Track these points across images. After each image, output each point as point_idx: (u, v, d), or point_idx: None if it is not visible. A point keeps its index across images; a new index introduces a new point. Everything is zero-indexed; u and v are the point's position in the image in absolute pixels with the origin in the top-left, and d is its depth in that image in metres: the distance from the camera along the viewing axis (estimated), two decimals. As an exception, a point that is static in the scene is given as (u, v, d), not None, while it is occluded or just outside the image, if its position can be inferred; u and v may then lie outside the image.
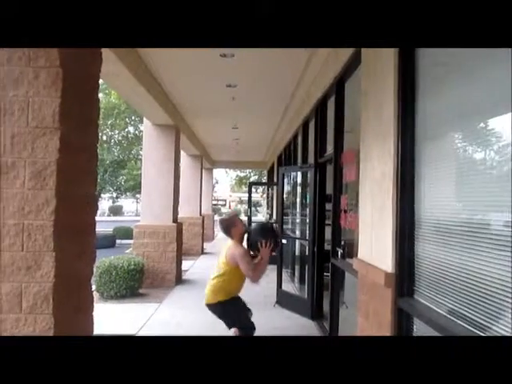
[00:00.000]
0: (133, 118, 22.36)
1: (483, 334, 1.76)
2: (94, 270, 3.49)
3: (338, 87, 4.51)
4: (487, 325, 1.76)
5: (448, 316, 2.07)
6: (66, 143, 2.75)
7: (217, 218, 21.91)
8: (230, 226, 3.78)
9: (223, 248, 3.86)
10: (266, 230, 3.97)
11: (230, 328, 3.79)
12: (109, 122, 21.64)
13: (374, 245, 2.98)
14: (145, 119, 7.81)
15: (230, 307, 3.68)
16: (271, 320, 5.36)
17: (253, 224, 3.99)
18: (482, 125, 2.01)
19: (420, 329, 2.44)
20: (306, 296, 5.82)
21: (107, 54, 3.94)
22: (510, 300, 1.61)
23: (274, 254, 3.83)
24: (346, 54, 3.94)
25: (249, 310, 3.90)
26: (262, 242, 3.68)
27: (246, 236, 3.86)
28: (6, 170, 2.62)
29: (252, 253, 3.80)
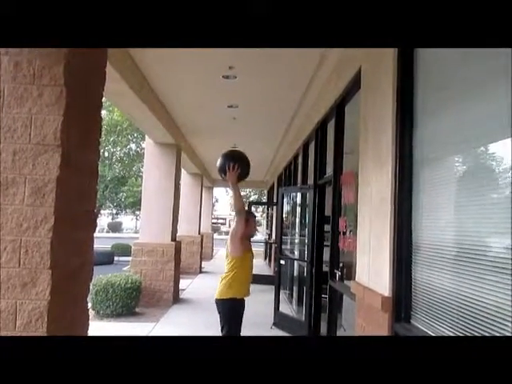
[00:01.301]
0: (135, 135, 22.54)
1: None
2: (91, 287, 3.47)
3: (338, 110, 4.56)
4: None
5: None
6: (67, 161, 2.77)
7: (216, 236, 21.86)
8: (247, 219, 3.82)
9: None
10: (235, 155, 4.00)
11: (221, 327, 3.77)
12: (111, 139, 21.80)
13: (372, 268, 2.98)
14: (147, 137, 7.87)
15: (227, 308, 3.69)
16: (268, 342, 5.30)
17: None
18: (481, 149, 2.02)
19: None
20: (303, 318, 5.77)
21: (111, 73, 4.00)
22: (508, 326, 1.60)
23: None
24: (345, 78, 4.00)
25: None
26: (229, 166, 3.69)
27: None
28: (5, 187, 2.63)
29: (221, 177, 3.88)
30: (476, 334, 1.80)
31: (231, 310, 3.70)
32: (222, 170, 3.79)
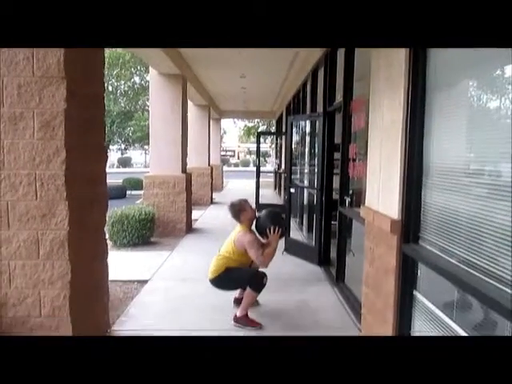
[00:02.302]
0: (138, 67, 21.94)
1: (486, 279, 1.82)
2: (106, 219, 3.58)
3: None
4: (490, 269, 1.81)
5: (452, 261, 2.12)
6: (73, 93, 2.75)
7: (226, 168, 21.98)
8: (239, 211, 3.84)
9: (232, 232, 3.95)
10: (274, 216, 4.03)
11: (243, 288, 3.92)
12: (114, 73, 21.28)
13: (382, 192, 3.01)
14: (151, 69, 7.67)
15: (224, 277, 3.80)
16: (280, 266, 5.51)
17: (262, 211, 4.05)
18: (498, 72, 1.97)
19: (424, 273, 2.52)
20: (313, 243, 5.94)
21: None
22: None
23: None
24: None
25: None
26: (270, 229, 3.77)
27: (254, 222, 3.95)
28: (14, 122, 2.64)
29: (261, 239, 3.91)
30: (481, 250, 1.86)
31: (230, 272, 3.78)
32: (264, 234, 3.89)
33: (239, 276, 3.81)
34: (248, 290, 3.71)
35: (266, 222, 3.87)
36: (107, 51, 18.11)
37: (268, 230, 3.80)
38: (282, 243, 6.38)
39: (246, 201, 4.02)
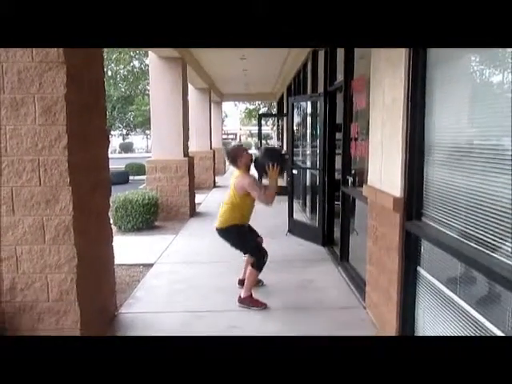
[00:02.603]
0: (137, 51, 21.72)
1: (489, 253, 1.83)
2: (110, 204, 3.61)
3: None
4: (494, 243, 1.82)
5: (455, 236, 2.14)
6: (73, 78, 2.74)
7: (227, 151, 21.88)
8: (236, 156, 3.83)
9: (231, 179, 3.95)
10: (272, 153, 4.02)
11: (243, 252, 4.01)
12: (113, 57, 21.08)
13: (384, 171, 3.01)
14: (150, 52, 7.61)
15: (233, 233, 3.83)
16: (284, 247, 5.55)
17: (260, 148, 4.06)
18: (497, 49, 1.94)
19: (427, 249, 2.53)
20: (316, 224, 5.96)
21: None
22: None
23: (281, 177, 3.93)
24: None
25: (259, 236, 4.05)
26: (269, 165, 3.75)
27: (253, 163, 3.93)
28: (16, 107, 2.64)
29: (260, 176, 3.91)
30: (483, 225, 1.87)
31: (236, 233, 3.83)
32: (263, 170, 3.85)
33: (245, 242, 3.87)
34: (249, 269, 3.76)
35: (264, 160, 3.86)
36: (105, 36, 17.91)
37: (267, 167, 3.78)
38: (285, 224, 6.42)
39: (240, 145, 4.06)
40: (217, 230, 3.90)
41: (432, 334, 2.44)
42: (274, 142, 26.67)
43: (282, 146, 14.58)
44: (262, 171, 3.88)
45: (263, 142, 17.75)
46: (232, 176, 3.97)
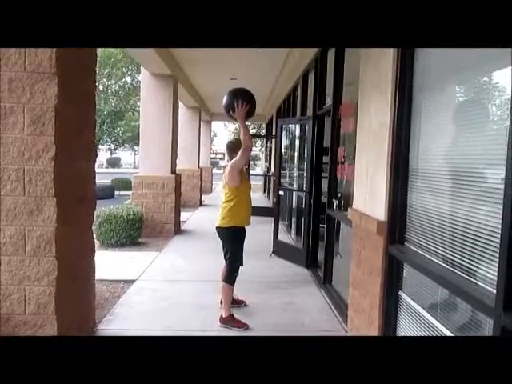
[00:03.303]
0: (130, 67, 21.88)
1: (469, 279, 1.85)
2: (94, 218, 3.57)
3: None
4: (473, 268, 1.85)
5: (436, 261, 2.16)
6: (65, 89, 2.75)
7: (215, 171, 21.96)
8: (236, 147, 3.85)
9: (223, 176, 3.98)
10: (237, 90, 3.98)
11: (224, 252, 3.93)
12: (105, 72, 21.19)
13: (369, 194, 3.05)
14: (142, 69, 7.67)
15: (229, 236, 3.83)
16: (268, 268, 5.53)
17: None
18: (484, 79, 2.01)
19: (409, 273, 2.56)
20: (301, 246, 5.97)
21: None
22: (496, 247, 1.68)
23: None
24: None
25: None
26: (237, 103, 3.74)
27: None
28: (4, 116, 2.63)
29: (228, 113, 3.89)
30: (464, 251, 1.90)
31: (232, 237, 3.83)
32: (230, 107, 3.79)
33: (231, 247, 3.83)
34: (222, 285, 3.80)
35: (230, 99, 3.81)
36: (99, 50, 18.02)
37: (236, 105, 3.73)
38: (270, 245, 6.41)
39: (239, 140, 4.04)
40: (216, 228, 3.89)
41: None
42: (261, 164, 26.79)
43: (269, 168, 14.67)
44: (229, 108, 3.81)
45: (251, 162, 17.86)
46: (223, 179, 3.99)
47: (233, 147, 3.92)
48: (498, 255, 1.65)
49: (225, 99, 3.87)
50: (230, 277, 3.77)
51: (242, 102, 3.72)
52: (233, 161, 3.75)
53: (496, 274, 1.63)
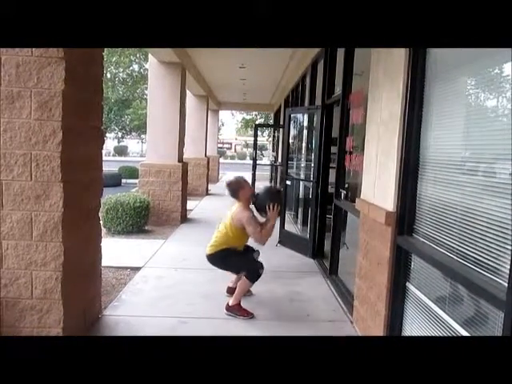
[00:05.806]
0: (137, 55, 21.79)
1: (480, 271, 1.83)
2: (101, 205, 3.57)
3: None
4: (484, 261, 1.82)
5: (446, 253, 2.13)
6: (72, 74, 2.72)
7: (222, 160, 21.96)
8: (237, 188, 3.83)
9: (229, 210, 3.93)
10: (273, 193, 4.05)
11: (235, 272, 4.01)
12: (113, 59, 21.12)
13: (377, 184, 3.01)
14: (150, 56, 7.62)
15: (222, 257, 3.81)
16: (274, 257, 5.52)
17: (260, 188, 4.05)
18: (496, 71, 1.97)
19: (417, 264, 2.53)
20: (307, 236, 5.95)
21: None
22: (508, 239, 1.65)
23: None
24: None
25: (255, 250, 4.03)
26: (269, 206, 3.77)
27: (252, 199, 3.94)
28: (11, 100, 2.62)
29: (259, 216, 3.92)
30: (475, 244, 1.87)
31: (227, 255, 3.80)
32: (263, 210, 3.86)
33: (238, 261, 3.83)
34: (243, 279, 3.72)
35: (265, 199, 3.87)
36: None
37: (267, 207, 3.80)
38: (276, 235, 6.39)
39: (243, 179, 4.02)
40: (207, 256, 3.87)
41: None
42: (269, 153, 26.73)
43: (276, 157, 14.62)
44: (262, 210, 3.88)
45: (258, 152, 17.81)
46: (230, 209, 3.95)
47: (235, 189, 3.87)
48: (509, 247, 1.62)
49: (258, 201, 3.93)
50: (252, 277, 3.72)
51: (273, 204, 3.78)
52: (245, 218, 3.72)
53: (508, 266, 1.60)
